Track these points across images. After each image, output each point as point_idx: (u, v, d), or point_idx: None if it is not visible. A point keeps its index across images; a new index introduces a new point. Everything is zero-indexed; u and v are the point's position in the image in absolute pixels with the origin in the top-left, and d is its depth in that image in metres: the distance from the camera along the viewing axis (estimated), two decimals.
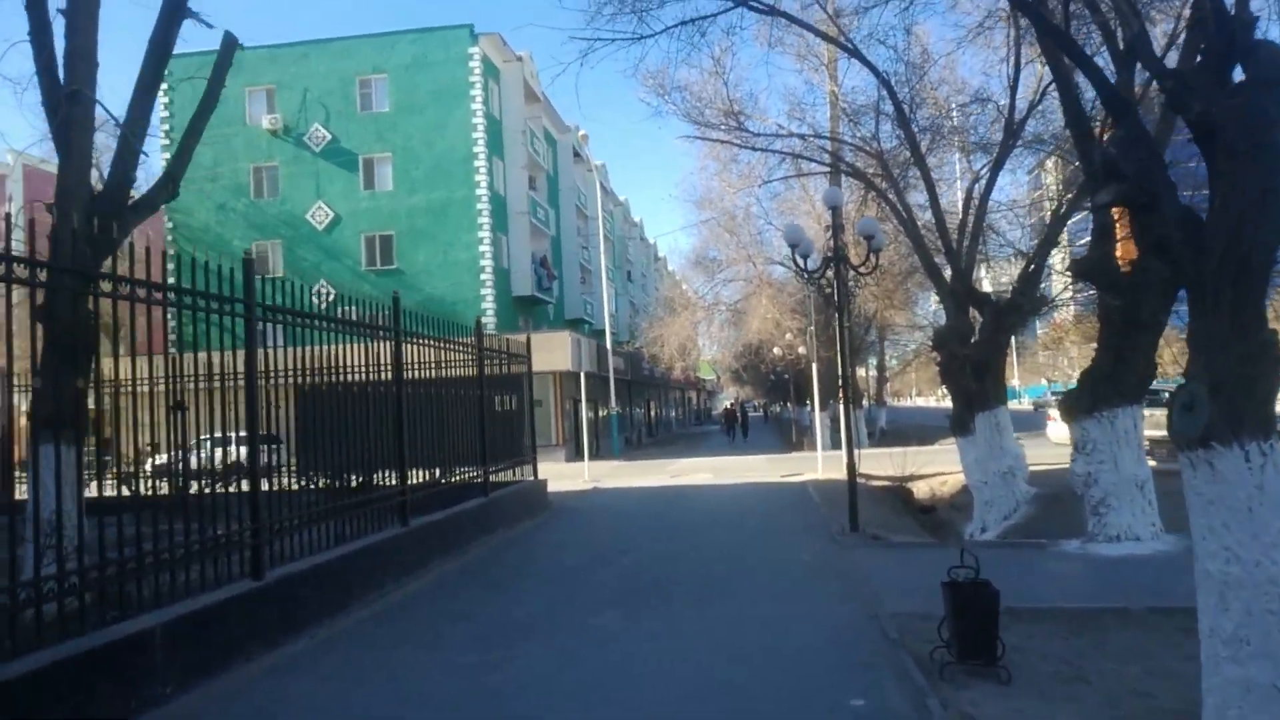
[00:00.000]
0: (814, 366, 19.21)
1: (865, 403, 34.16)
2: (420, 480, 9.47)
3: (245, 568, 6.10)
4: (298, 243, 34.76)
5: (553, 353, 29.20)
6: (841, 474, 18.73)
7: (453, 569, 8.89)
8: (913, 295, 33.74)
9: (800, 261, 11.15)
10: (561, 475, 21.99)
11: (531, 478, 14.07)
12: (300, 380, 7.56)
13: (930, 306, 40.91)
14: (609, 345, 32.87)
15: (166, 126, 36.00)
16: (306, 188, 35.47)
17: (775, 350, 30.52)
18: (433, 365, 10.42)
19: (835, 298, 11.01)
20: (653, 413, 52.50)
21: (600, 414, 35.10)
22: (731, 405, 56.15)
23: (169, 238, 35.05)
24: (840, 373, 11.05)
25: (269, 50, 35.97)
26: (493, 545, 10.44)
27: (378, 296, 10.44)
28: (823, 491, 15.55)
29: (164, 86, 33.70)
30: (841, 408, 18.34)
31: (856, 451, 18.22)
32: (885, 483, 17.96)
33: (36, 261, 4.94)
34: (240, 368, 6.35)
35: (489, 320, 33.87)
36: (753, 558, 9.09)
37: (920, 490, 17.44)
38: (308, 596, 6.52)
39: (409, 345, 9.48)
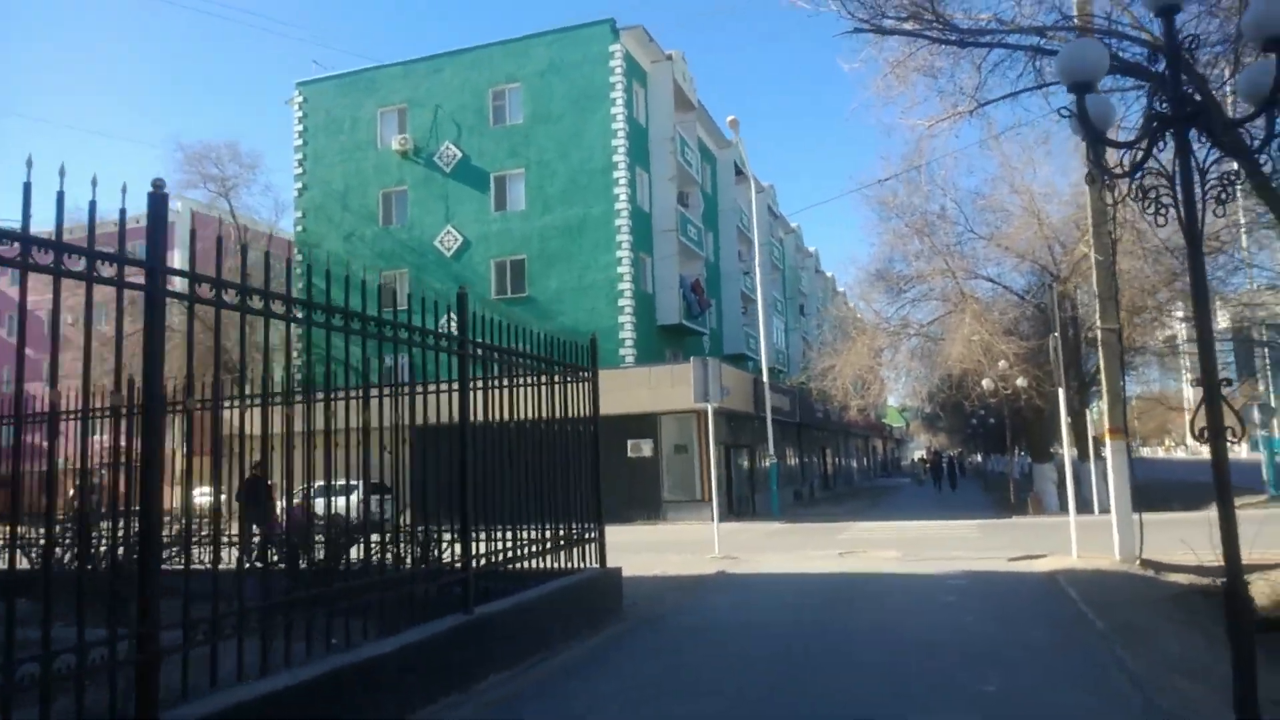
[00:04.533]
0: (1060, 391, 12.62)
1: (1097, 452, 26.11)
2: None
3: None
4: (425, 270, 31.50)
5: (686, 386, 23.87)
6: (1110, 561, 11.93)
7: None
8: (1161, 310, 25.62)
9: (1091, 128, 5.12)
10: (687, 545, 16.41)
11: (594, 564, 8.65)
12: None
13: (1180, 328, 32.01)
14: (765, 379, 26.99)
15: (300, 155, 34.27)
16: (436, 211, 32.39)
17: (984, 383, 23.59)
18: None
19: (1177, 196, 4.89)
20: (829, 462, 45.61)
21: (761, 463, 29.21)
22: (935, 451, 49.57)
23: (298, 270, 32.83)
24: (1204, 365, 4.78)
25: (402, 67, 33.62)
26: None
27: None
28: (1094, 596, 9.10)
29: (297, 105, 31.42)
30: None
31: (1127, 518, 11.43)
32: (1185, 576, 11.04)
33: None
34: None
35: (628, 352, 29.08)
36: None
37: (1259, 589, 10.41)
38: None
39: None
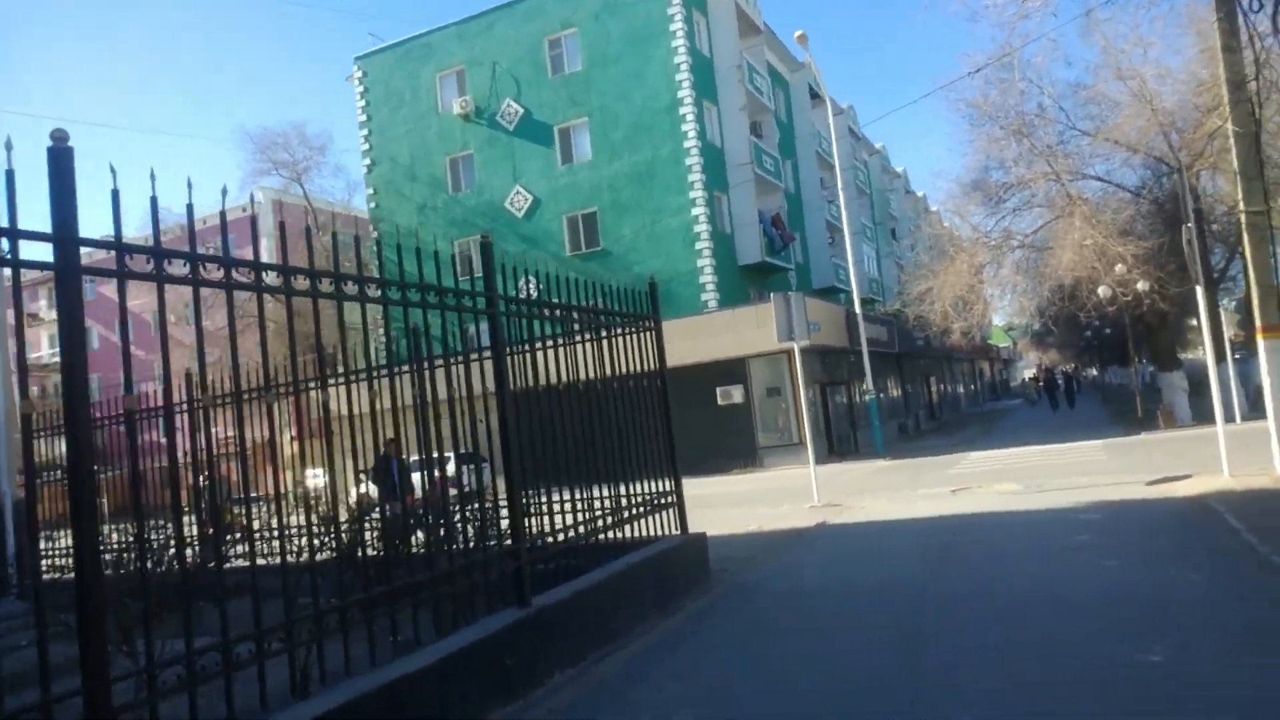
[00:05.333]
0: (1198, 287, 11.06)
1: (1233, 354, 23.75)
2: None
3: None
4: (498, 235, 30.62)
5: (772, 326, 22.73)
6: (1271, 478, 10.36)
7: None
8: None
9: None
10: (785, 493, 15.52)
11: (674, 531, 7.87)
12: None
13: None
14: (858, 310, 25.52)
15: (365, 131, 34.11)
16: (503, 172, 31.79)
17: (1100, 290, 21.58)
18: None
19: None
20: (934, 391, 43.67)
21: (860, 399, 27.86)
22: (1047, 369, 48.39)
23: (373, 247, 32.95)
24: None
25: (456, 28, 32.87)
26: None
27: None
28: (1262, 524, 7.77)
29: (358, 81, 31.34)
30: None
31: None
32: None
33: None
34: None
35: (710, 297, 28.02)
36: None
37: None
38: None
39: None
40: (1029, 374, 71.50)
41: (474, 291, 5.71)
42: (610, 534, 6.87)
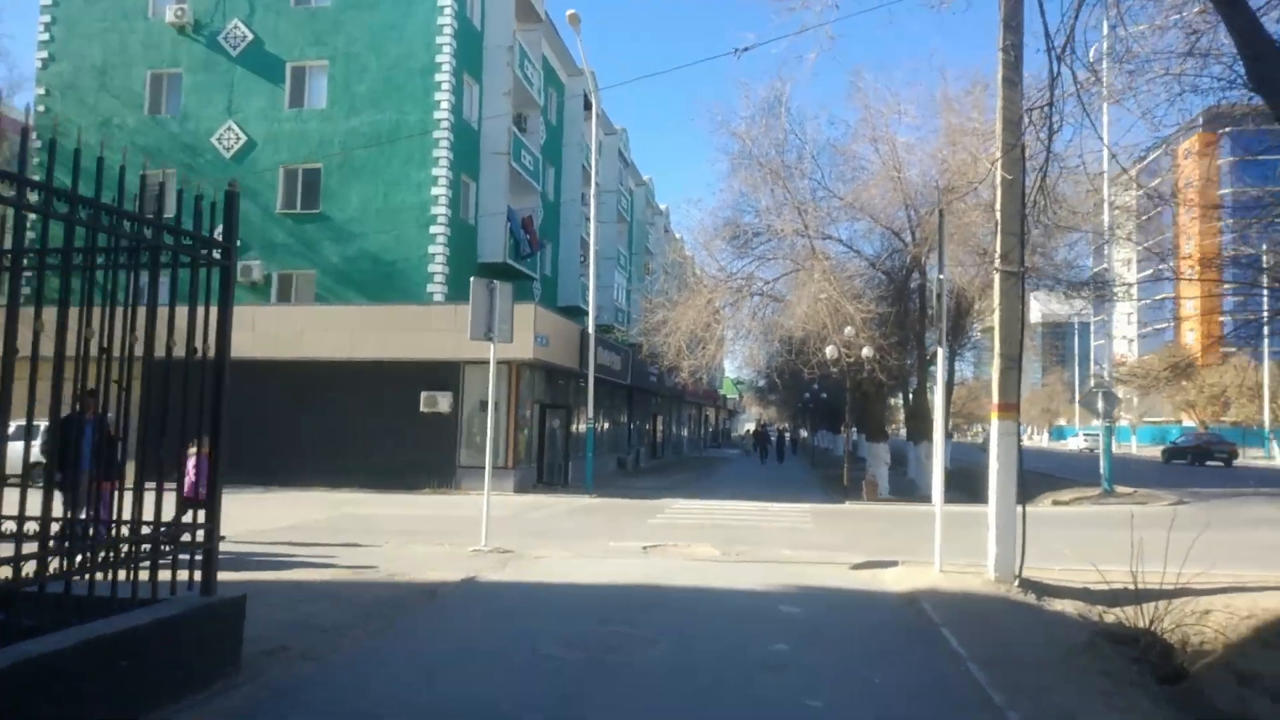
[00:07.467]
0: (939, 349, 9.86)
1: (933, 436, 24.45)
2: None
3: None
4: (199, 172, 25.79)
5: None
6: (981, 580, 9.16)
7: None
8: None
9: None
10: (459, 526, 12.82)
11: (191, 592, 4.91)
12: None
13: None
14: (591, 329, 23.63)
15: (47, 18, 27.62)
16: (216, 103, 26.79)
17: (828, 350, 21.15)
18: None
19: None
20: (660, 429, 43.09)
21: (580, 426, 25.92)
22: (763, 425, 51.86)
23: (36, 159, 26.51)
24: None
25: None
26: None
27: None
28: (982, 648, 6.25)
29: None
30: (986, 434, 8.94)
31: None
32: (1072, 604, 8.48)
33: None
34: None
35: (437, 289, 24.95)
36: None
37: (1174, 635, 7.93)
38: None
39: None
40: (750, 427, 74.51)
41: None
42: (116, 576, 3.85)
